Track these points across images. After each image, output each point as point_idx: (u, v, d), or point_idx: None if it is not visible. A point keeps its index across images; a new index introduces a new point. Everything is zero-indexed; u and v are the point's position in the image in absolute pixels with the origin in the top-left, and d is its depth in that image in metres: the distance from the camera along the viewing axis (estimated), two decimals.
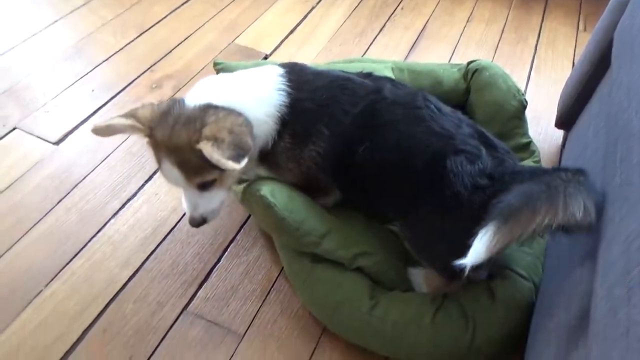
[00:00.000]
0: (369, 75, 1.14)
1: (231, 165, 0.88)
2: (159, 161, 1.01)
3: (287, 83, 1.06)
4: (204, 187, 1.02)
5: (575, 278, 0.87)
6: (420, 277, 1.13)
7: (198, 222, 1.05)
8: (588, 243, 0.88)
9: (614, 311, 0.58)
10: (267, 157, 1.10)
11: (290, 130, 1.05)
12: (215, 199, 1.05)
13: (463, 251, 0.91)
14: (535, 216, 0.79)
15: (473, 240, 0.79)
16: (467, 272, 0.97)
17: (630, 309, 0.55)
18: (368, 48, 1.97)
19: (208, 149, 0.89)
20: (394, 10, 2.17)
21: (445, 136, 0.98)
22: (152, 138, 1.01)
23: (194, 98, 1.02)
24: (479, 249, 0.78)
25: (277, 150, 1.07)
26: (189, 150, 0.94)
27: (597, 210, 0.80)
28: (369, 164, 1.04)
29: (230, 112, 0.99)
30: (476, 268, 1.03)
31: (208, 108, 0.99)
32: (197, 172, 0.98)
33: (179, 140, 0.96)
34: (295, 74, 1.09)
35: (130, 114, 1.00)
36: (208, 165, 0.93)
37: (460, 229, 0.83)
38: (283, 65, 1.12)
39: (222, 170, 0.97)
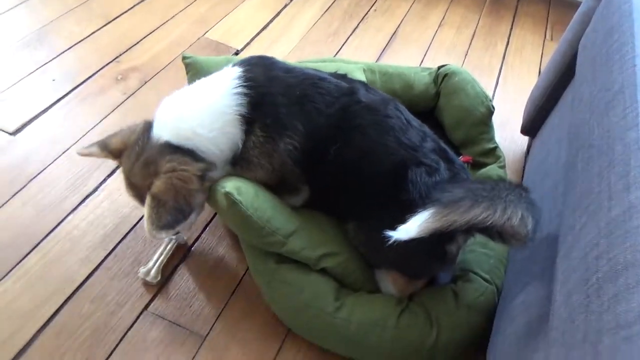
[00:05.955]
0: (343, 76, 1.13)
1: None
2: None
3: (245, 83, 1.04)
4: None
5: (535, 283, 0.89)
6: (387, 278, 1.13)
7: (159, 237, 1.11)
8: (548, 249, 0.90)
9: (572, 318, 0.59)
10: (238, 157, 1.07)
11: (260, 124, 1.03)
12: None
13: (413, 254, 0.98)
14: (474, 208, 0.84)
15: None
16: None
17: (588, 316, 0.57)
18: (340, 48, 1.97)
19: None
20: (367, 12, 2.18)
21: (411, 148, 1.02)
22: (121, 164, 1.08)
23: (158, 128, 1.04)
24: (410, 226, 0.84)
25: (248, 146, 1.05)
26: (143, 190, 1.00)
27: (534, 224, 0.86)
28: (339, 164, 1.05)
29: (186, 159, 1.00)
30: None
31: (165, 150, 1.01)
32: None
33: (135, 180, 1.03)
34: (260, 67, 1.08)
35: (104, 146, 1.08)
36: None
37: None
38: (243, 63, 1.10)
39: None
